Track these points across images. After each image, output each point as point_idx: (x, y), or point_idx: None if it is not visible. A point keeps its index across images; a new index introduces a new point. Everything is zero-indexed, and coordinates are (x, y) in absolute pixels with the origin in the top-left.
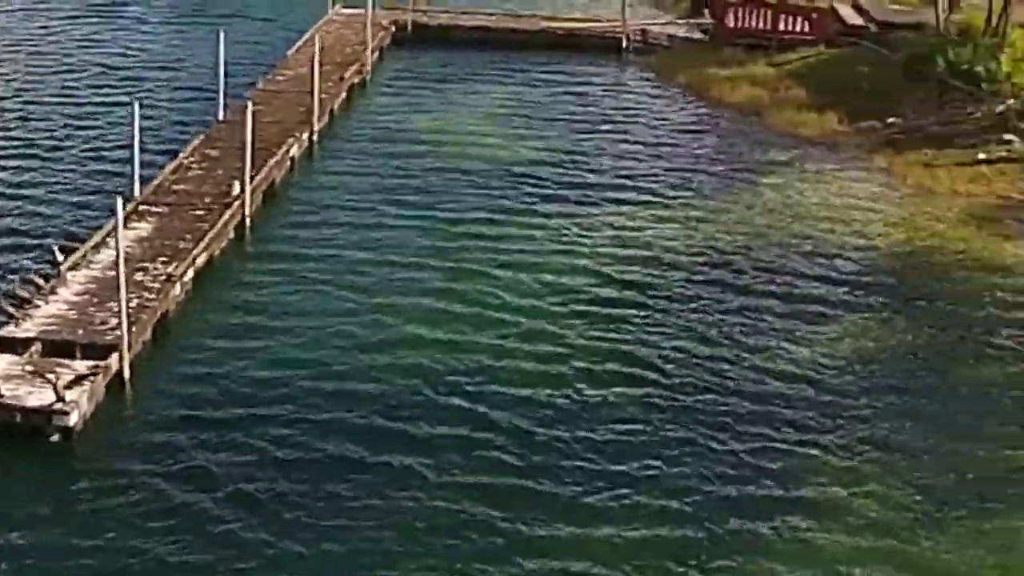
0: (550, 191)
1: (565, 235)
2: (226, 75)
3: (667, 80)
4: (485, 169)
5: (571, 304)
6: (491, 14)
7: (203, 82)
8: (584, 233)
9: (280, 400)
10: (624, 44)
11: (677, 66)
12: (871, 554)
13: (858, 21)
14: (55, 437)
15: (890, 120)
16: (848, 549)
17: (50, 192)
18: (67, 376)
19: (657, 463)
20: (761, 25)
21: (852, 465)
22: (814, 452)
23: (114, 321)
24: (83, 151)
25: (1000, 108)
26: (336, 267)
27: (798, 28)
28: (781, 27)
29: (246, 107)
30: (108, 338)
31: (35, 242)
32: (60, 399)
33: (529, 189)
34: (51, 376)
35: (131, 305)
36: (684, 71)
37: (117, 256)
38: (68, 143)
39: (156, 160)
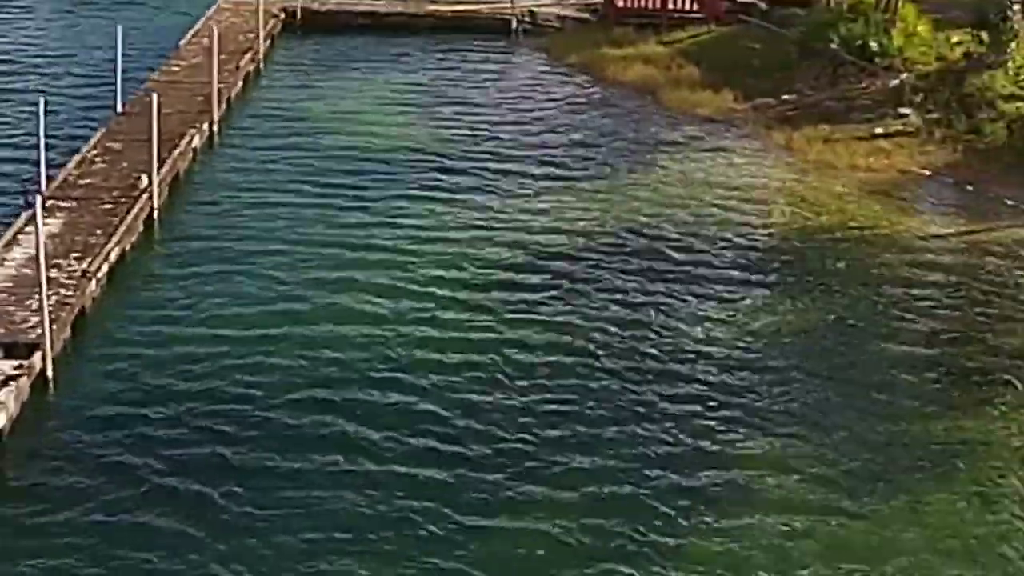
0: (456, 171)
1: (475, 213)
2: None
3: (559, 60)
4: (388, 152)
5: (490, 278)
6: None
7: (97, 72)
8: (492, 210)
9: (205, 389)
10: (513, 25)
11: (568, 46)
12: (803, 507)
13: None
14: None
15: (785, 96)
16: (779, 509)
17: None
18: None
19: (590, 428)
20: (650, 4)
21: (772, 433)
22: (736, 416)
23: (35, 319)
24: None
25: (894, 82)
26: (248, 254)
27: (687, 7)
28: (671, 6)
29: (149, 99)
30: (30, 337)
31: None
32: None
33: (435, 170)
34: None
35: (50, 303)
36: (576, 51)
37: (37, 253)
38: None
39: (57, 154)
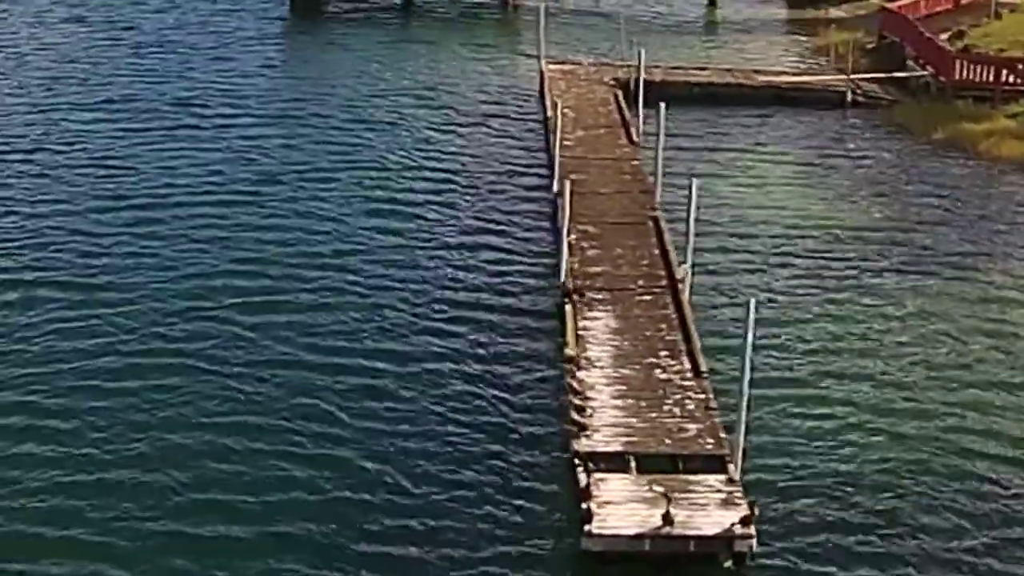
0: (890, 262)
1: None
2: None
3: (924, 137)
4: (828, 236)
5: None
6: (702, 69)
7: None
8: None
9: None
10: (848, 98)
11: (922, 122)
12: None
13: None
14: (728, 563)
15: None
16: None
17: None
18: (703, 493)
19: None
20: (985, 77)
21: None
22: None
23: (692, 427)
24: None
25: None
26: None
27: (1020, 80)
28: (1004, 79)
29: (575, 179)
30: (708, 447)
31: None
32: (746, 523)
33: (870, 260)
34: (739, 501)
35: (690, 408)
36: (935, 127)
37: (743, 362)
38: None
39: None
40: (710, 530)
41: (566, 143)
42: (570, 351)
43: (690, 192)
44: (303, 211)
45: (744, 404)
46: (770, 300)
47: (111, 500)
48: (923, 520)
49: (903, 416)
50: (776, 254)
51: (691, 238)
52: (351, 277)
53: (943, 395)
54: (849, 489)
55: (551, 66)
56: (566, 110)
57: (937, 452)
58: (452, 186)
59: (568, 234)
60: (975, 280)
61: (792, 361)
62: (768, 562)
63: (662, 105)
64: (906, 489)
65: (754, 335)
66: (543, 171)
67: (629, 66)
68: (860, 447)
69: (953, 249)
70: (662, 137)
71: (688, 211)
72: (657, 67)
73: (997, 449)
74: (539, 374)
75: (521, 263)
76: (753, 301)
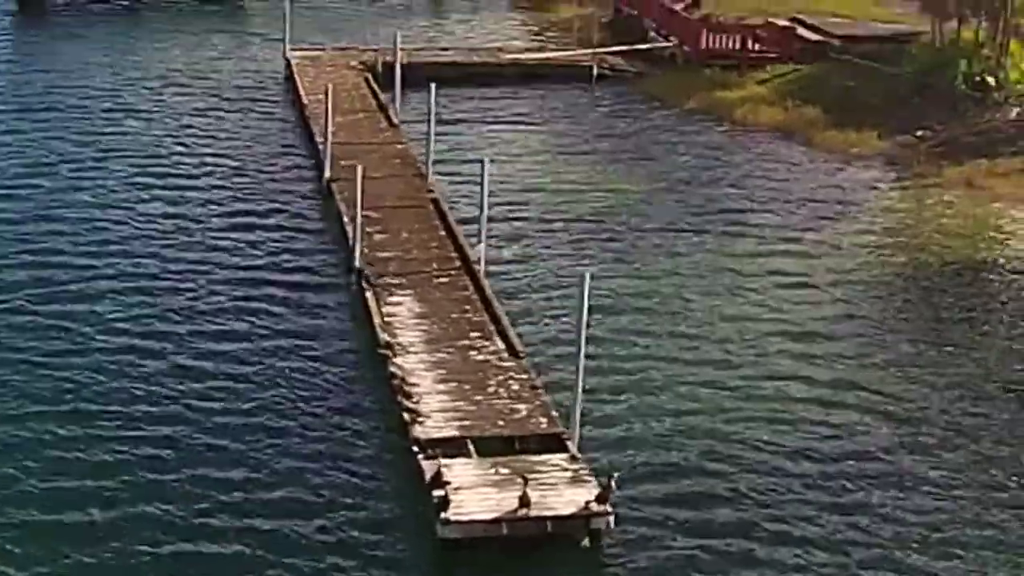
0: (668, 222)
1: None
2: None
3: (679, 106)
4: (602, 203)
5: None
6: (444, 50)
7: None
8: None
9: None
10: (594, 72)
11: (675, 91)
12: None
13: (817, 37)
14: (584, 542)
15: (920, 133)
16: None
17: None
18: (549, 473)
19: None
20: (731, 45)
21: None
22: None
23: (523, 407)
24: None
25: (1015, 112)
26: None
27: (765, 47)
28: (749, 47)
29: (354, 166)
30: (543, 426)
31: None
32: (602, 500)
33: (650, 222)
34: (587, 478)
35: (515, 389)
36: (687, 96)
37: (578, 336)
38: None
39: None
40: (566, 509)
41: (329, 129)
42: (386, 337)
43: (482, 171)
44: (78, 200)
45: (580, 381)
46: (559, 269)
47: None
48: (755, 460)
49: (719, 367)
50: (556, 224)
51: (484, 218)
52: (139, 262)
53: (750, 345)
54: (687, 446)
55: (295, 52)
56: (321, 96)
57: (758, 398)
58: (219, 173)
59: (356, 219)
60: (749, 235)
61: (600, 327)
62: (621, 536)
63: (432, 86)
64: (736, 436)
65: (588, 308)
66: (304, 158)
67: (374, 50)
68: (689, 403)
69: (726, 207)
70: (433, 119)
71: (481, 190)
72: (402, 50)
73: (816, 392)
74: (348, 364)
75: (303, 250)
76: (588, 273)
